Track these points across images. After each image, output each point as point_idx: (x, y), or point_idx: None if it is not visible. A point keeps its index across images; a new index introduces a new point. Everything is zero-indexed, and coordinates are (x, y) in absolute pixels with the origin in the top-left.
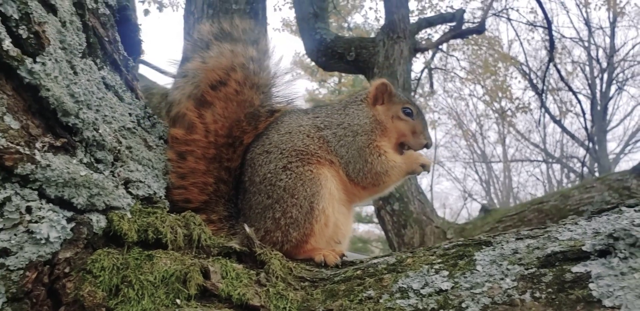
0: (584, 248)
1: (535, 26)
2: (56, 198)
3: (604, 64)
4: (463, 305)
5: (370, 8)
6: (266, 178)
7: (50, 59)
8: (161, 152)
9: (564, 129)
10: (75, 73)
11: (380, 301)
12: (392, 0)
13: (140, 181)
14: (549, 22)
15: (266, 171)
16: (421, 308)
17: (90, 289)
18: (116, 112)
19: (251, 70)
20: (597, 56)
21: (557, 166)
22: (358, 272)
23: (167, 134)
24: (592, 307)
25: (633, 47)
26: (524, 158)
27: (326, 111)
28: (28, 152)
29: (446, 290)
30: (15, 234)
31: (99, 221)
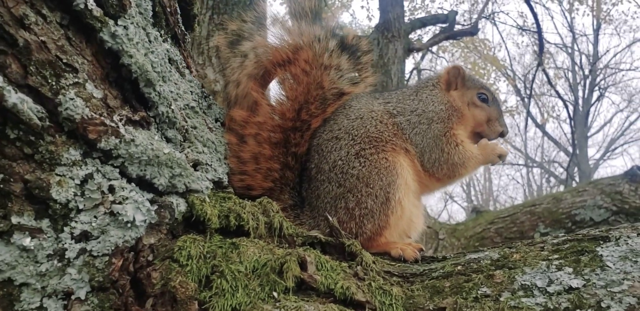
0: None
1: (524, 30)
2: (137, 178)
3: (587, 71)
4: (602, 305)
5: (362, 6)
6: (337, 165)
7: (132, 23)
8: (221, 136)
9: (546, 134)
10: (150, 41)
11: (501, 299)
12: None
13: (208, 164)
14: (539, 27)
15: (336, 158)
16: (552, 307)
17: (181, 279)
18: (180, 88)
19: (318, 49)
20: (580, 62)
21: (537, 170)
22: (459, 268)
23: (224, 117)
24: None
25: (615, 55)
26: (505, 161)
27: (397, 97)
28: (113, 125)
29: (577, 288)
30: (95, 216)
31: (178, 205)
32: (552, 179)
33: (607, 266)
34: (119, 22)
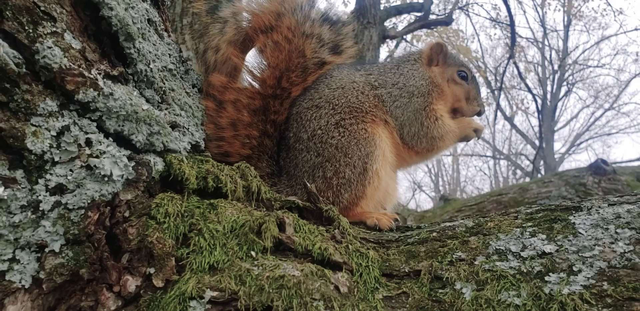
0: None
1: (497, 23)
2: (115, 133)
3: (556, 66)
4: (574, 268)
5: None
6: (316, 134)
7: None
8: (198, 101)
9: (514, 127)
10: None
11: (476, 263)
12: None
13: (185, 128)
14: (512, 19)
15: (316, 127)
16: (525, 270)
17: (158, 235)
18: (158, 50)
19: (300, 17)
20: (550, 57)
21: (504, 163)
22: (434, 234)
23: (201, 83)
24: None
25: (584, 51)
26: (473, 152)
27: (378, 69)
28: (91, 77)
29: (550, 253)
30: (71, 170)
31: (156, 164)
32: (518, 171)
33: (580, 233)
34: None
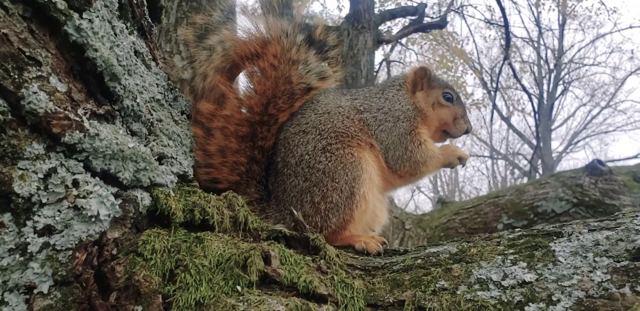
0: None
1: (491, 24)
2: (102, 172)
3: (552, 65)
4: (553, 298)
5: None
6: (303, 159)
7: (97, 16)
8: (187, 128)
9: (511, 127)
10: (116, 34)
11: (458, 292)
12: None
13: (173, 158)
14: (506, 20)
15: (303, 152)
16: (505, 300)
17: (145, 273)
18: (145, 81)
19: (286, 44)
20: (546, 56)
21: (502, 162)
22: (419, 261)
23: (189, 110)
24: None
25: (579, 50)
26: (471, 153)
27: (364, 94)
28: (77, 119)
29: (530, 282)
30: (59, 211)
31: (143, 199)
32: (516, 171)
33: (559, 261)
34: (84, 15)
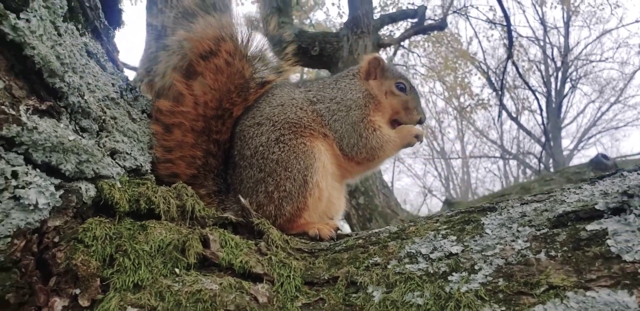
0: (596, 207)
1: (494, 24)
2: (43, 164)
3: (559, 63)
4: (476, 267)
5: (333, 4)
6: (258, 151)
7: (35, 16)
8: (145, 126)
9: (520, 126)
10: (60, 35)
11: (389, 266)
12: None
13: (127, 153)
14: (508, 20)
15: (257, 144)
16: (432, 271)
17: (83, 258)
18: (99, 81)
19: (240, 41)
20: (552, 54)
21: (513, 162)
22: (360, 241)
23: (150, 108)
24: (610, 263)
25: (586, 46)
26: (482, 154)
27: (317, 85)
28: (14, 113)
29: (456, 254)
30: (0, 201)
31: (87, 190)
32: (528, 170)
33: (486, 233)
34: (21, 15)
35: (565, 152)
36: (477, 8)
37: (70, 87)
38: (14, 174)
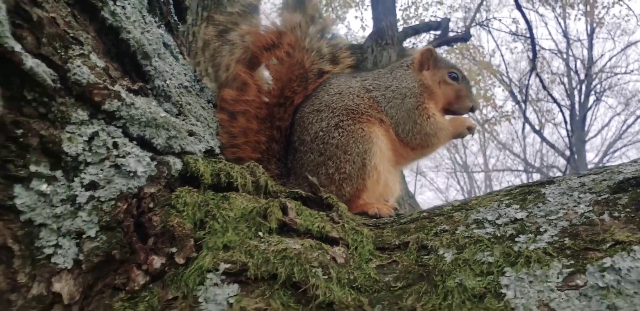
0: None
1: (517, 36)
2: (138, 138)
3: (582, 76)
4: (541, 229)
5: (356, 17)
6: (318, 136)
7: (129, 4)
8: (213, 114)
9: (544, 139)
10: (146, 23)
11: (457, 232)
12: (380, 8)
13: (201, 136)
14: (531, 31)
15: (317, 129)
16: (499, 235)
17: (178, 220)
18: (174, 70)
19: (300, 34)
20: (575, 67)
21: (536, 176)
22: (424, 214)
23: (214, 99)
24: None
25: (610, 58)
26: (504, 167)
27: (373, 75)
28: (115, 89)
29: (521, 219)
30: (102, 169)
31: (175, 164)
32: None
33: (548, 200)
34: (117, 3)
35: (589, 166)
36: (500, 20)
37: (157, 71)
38: (115, 145)
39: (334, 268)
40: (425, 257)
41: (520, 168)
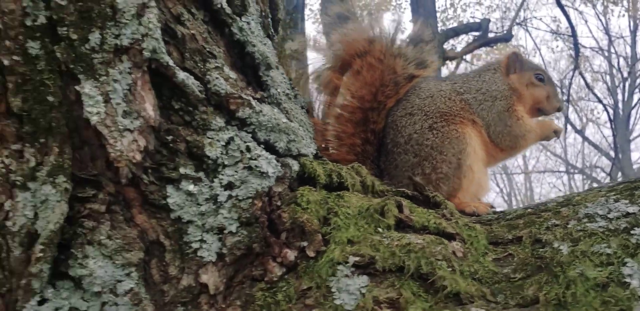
0: None
1: (558, 34)
2: (264, 142)
3: (625, 73)
4: None
5: (393, 20)
6: (412, 138)
7: (253, 19)
8: (308, 119)
9: (586, 139)
10: (264, 36)
11: (569, 226)
12: (420, 10)
13: (304, 139)
14: (573, 29)
15: (411, 132)
16: (612, 228)
17: (307, 216)
18: (278, 78)
19: (388, 41)
20: (618, 65)
21: (578, 177)
22: (529, 210)
23: (307, 105)
24: None
25: None
26: (545, 169)
27: (462, 78)
28: (247, 98)
29: (634, 213)
30: (236, 171)
31: (293, 165)
32: (595, 185)
33: None
34: (243, 19)
35: (635, 166)
36: (540, 19)
37: (273, 80)
38: (247, 149)
39: (456, 261)
40: (541, 250)
41: (562, 168)
